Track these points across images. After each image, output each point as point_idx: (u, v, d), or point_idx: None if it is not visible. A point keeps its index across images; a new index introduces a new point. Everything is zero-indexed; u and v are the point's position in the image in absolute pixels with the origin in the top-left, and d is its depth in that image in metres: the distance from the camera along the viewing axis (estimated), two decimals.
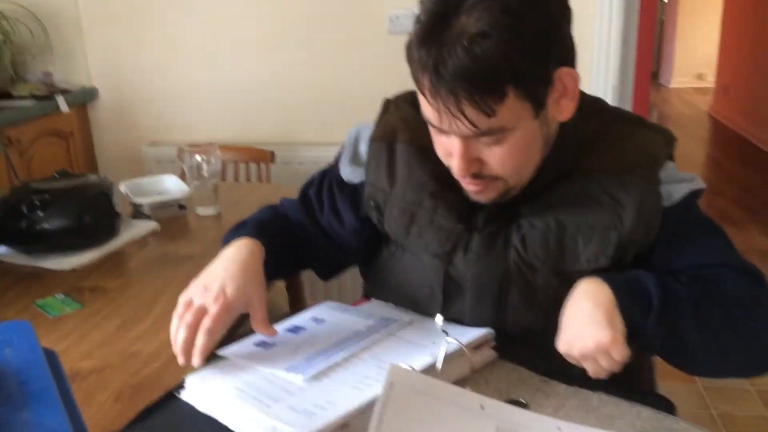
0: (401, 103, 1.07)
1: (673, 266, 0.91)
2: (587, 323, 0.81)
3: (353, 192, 1.08)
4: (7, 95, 2.50)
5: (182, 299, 0.93)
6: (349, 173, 1.07)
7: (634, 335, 0.82)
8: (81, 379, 0.99)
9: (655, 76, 8.71)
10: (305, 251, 1.12)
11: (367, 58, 2.51)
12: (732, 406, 2.27)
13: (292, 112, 2.63)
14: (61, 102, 2.53)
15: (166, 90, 2.70)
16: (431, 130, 0.91)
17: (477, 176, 0.89)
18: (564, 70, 0.85)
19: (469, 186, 0.92)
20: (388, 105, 1.08)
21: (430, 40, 0.80)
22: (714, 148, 5.99)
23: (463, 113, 0.81)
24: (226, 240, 1.04)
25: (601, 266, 0.91)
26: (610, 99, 2.46)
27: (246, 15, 2.57)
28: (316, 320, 1.02)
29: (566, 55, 0.86)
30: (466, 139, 0.85)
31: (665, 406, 0.89)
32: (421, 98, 0.86)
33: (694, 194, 0.94)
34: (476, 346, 0.93)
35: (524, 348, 0.95)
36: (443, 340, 0.87)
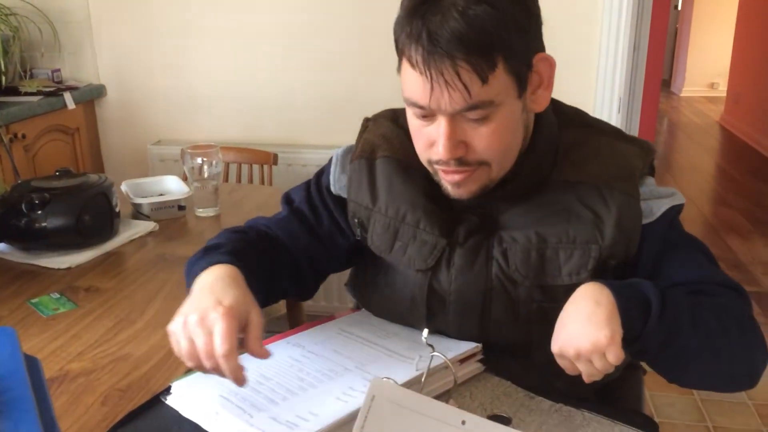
0: (380, 119, 1.06)
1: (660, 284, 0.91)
2: (586, 322, 0.79)
3: (344, 205, 1.05)
4: (15, 91, 2.52)
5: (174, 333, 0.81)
6: (339, 188, 1.05)
7: (631, 340, 0.81)
8: (69, 380, 1.00)
9: (666, 84, 8.66)
10: (287, 272, 1.04)
11: (372, 61, 2.52)
12: (729, 419, 2.26)
13: (295, 115, 2.64)
14: (68, 98, 2.55)
15: (173, 89, 2.71)
16: (413, 123, 0.90)
17: (461, 163, 0.88)
18: (541, 55, 0.87)
19: (451, 177, 0.90)
20: (367, 123, 1.08)
21: (422, 10, 0.81)
22: (723, 158, 5.95)
23: (459, 77, 0.80)
24: (191, 269, 0.92)
25: (582, 280, 0.91)
26: (615, 108, 2.43)
27: (253, 17, 2.57)
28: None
29: (541, 48, 0.88)
30: (452, 119, 0.84)
31: (649, 426, 0.89)
32: (406, 79, 0.85)
33: (675, 210, 0.93)
34: (462, 359, 0.93)
35: (509, 361, 0.95)
36: (429, 354, 0.87)
